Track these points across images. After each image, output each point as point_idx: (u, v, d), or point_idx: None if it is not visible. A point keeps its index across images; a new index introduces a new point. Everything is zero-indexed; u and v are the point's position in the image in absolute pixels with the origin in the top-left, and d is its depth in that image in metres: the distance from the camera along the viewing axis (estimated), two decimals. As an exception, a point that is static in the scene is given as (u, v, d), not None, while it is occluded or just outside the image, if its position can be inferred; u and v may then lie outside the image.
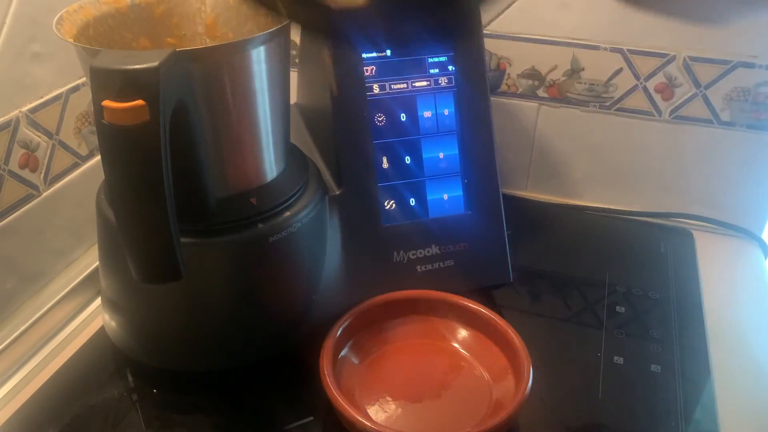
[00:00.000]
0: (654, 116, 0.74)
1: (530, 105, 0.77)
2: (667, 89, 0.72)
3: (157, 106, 0.36)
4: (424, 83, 0.61)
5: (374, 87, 0.59)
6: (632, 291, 0.66)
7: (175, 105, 0.39)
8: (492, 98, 0.65)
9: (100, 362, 0.57)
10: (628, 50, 0.71)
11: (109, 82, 0.35)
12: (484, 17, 0.67)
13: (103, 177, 0.52)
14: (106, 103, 0.35)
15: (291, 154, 0.56)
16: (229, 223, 0.49)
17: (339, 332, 0.54)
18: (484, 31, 0.68)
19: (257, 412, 0.53)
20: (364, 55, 0.59)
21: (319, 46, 0.60)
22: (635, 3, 0.67)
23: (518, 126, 0.79)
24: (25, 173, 0.60)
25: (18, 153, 0.59)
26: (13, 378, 0.56)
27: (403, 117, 0.60)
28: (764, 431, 0.53)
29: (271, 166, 0.52)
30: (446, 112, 0.62)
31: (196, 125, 0.44)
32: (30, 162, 0.60)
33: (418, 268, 0.62)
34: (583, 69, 0.73)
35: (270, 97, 0.49)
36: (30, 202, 0.61)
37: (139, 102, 0.35)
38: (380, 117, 0.60)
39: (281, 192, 0.52)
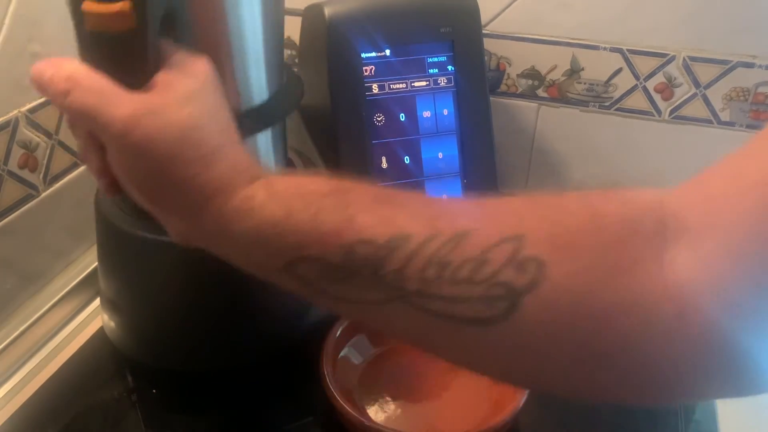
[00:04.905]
0: (654, 116, 0.74)
1: (530, 105, 0.77)
2: (667, 89, 0.72)
3: (144, 9, 0.32)
4: (424, 83, 0.61)
5: (373, 87, 0.59)
6: (632, 291, 0.66)
7: (163, 13, 0.35)
8: (492, 98, 0.65)
9: (99, 362, 0.57)
10: (628, 50, 0.71)
11: None
12: (483, 17, 0.67)
13: (102, 177, 0.52)
14: (87, 5, 0.32)
15: (284, 74, 0.50)
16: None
17: (339, 332, 0.54)
18: (484, 31, 0.68)
19: (257, 412, 0.53)
20: (363, 55, 0.59)
21: (318, 47, 0.60)
22: None
23: (518, 126, 0.79)
24: (25, 173, 0.60)
25: (17, 153, 0.59)
26: (13, 378, 0.56)
27: (402, 117, 0.60)
28: (764, 431, 0.53)
29: (261, 85, 0.47)
30: (445, 112, 0.62)
31: (184, 40, 0.39)
32: (29, 162, 0.60)
33: (418, 268, 0.61)
34: (582, 69, 0.73)
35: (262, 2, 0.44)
36: (29, 202, 0.61)
37: (125, 4, 0.32)
38: (379, 117, 0.60)
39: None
